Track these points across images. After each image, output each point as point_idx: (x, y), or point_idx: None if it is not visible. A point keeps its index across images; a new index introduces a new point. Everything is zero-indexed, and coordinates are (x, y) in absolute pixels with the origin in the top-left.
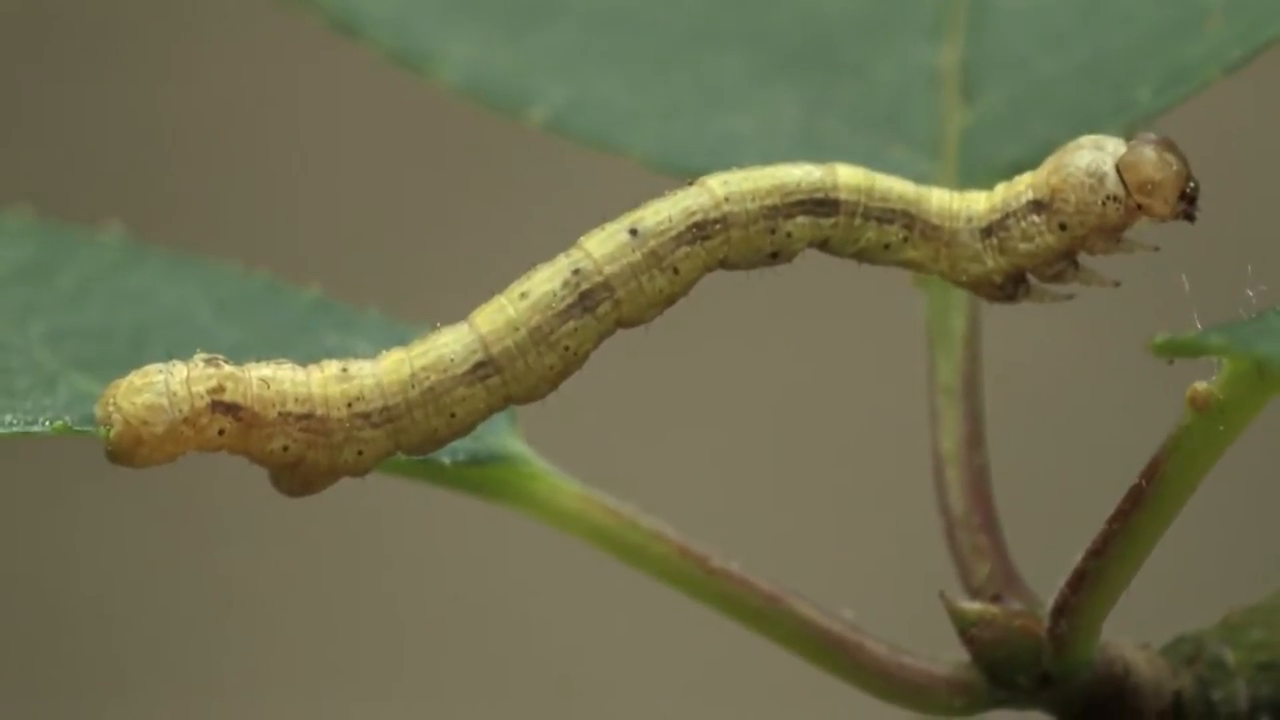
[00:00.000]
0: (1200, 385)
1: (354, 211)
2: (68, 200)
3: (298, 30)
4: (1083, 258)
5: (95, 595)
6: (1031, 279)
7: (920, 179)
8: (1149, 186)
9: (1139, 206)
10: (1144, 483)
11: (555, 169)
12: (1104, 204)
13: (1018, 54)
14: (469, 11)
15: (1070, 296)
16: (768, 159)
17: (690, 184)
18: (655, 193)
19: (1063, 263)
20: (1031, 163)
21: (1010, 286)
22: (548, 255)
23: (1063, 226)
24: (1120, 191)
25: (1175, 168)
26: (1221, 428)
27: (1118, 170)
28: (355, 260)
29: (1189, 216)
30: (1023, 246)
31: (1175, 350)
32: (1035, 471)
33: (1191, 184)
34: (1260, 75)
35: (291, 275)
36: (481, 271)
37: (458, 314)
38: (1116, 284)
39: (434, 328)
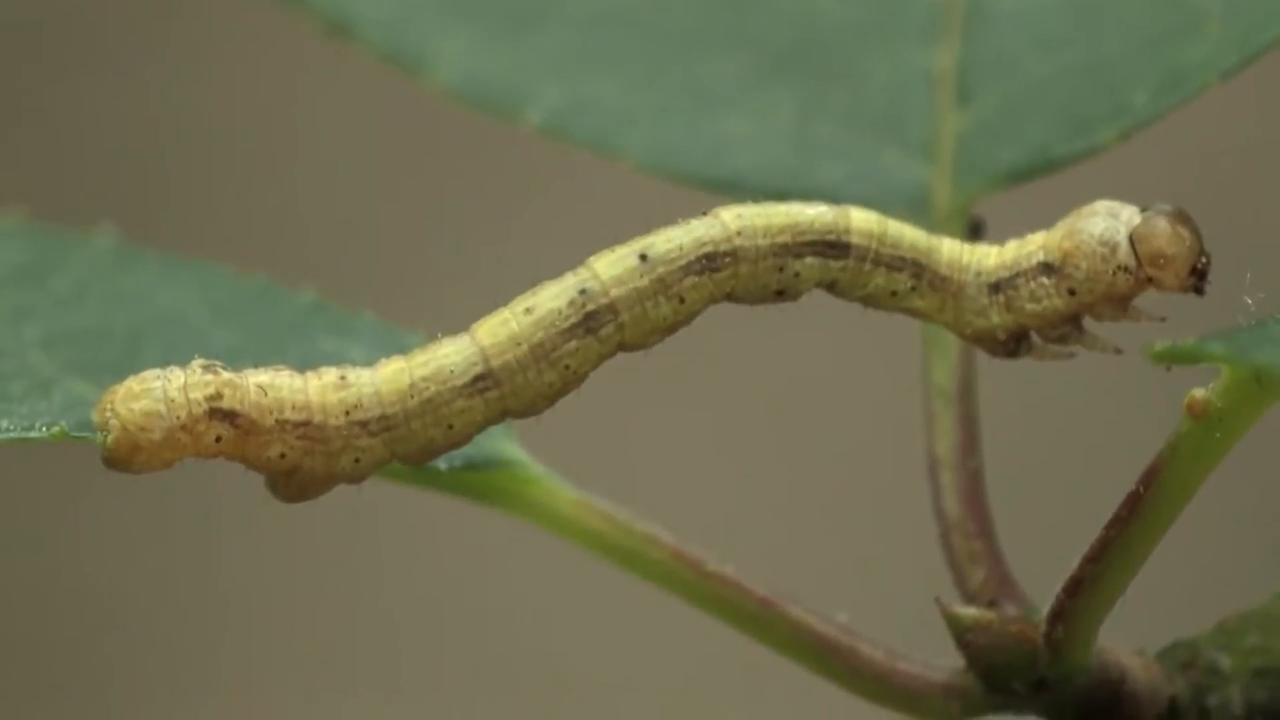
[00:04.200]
0: (1198, 392)
1: (349, 214)
2: (62, 202)
3: (293, 32)
4: (1087, 322)
5: (93, 598)
6: (1035, 337)
7: (915, 182)
8: (1161, 260)
9: (1149, 279)
10: (1141, 489)
11: (550, 172)
12: (1114, 274)
13: (1013, 57)
14: (464, 13)
15: (1071, 356)
16: (763, 162)
17: (704, 214)
18: (651, 196)
19: (1067, 325)
20: (1026, 167)
21: (1013, 343)
22: (542, 258)
23: (1071, 291)
24: (1132, 262)
25: (1188, 242)
26: (1219, 435)
27: (1130, 241)
28: (350, 263)
29: (1198, 291)
30: (1030, 307)
31: (1173, 357)
32: (1031, 476)
33: (1203, 259)
34: (1257, 80)
35: (287, 278)
36: (476, 274)
37: (452, 317)
38: (1119, 351)
39: (431, 333)
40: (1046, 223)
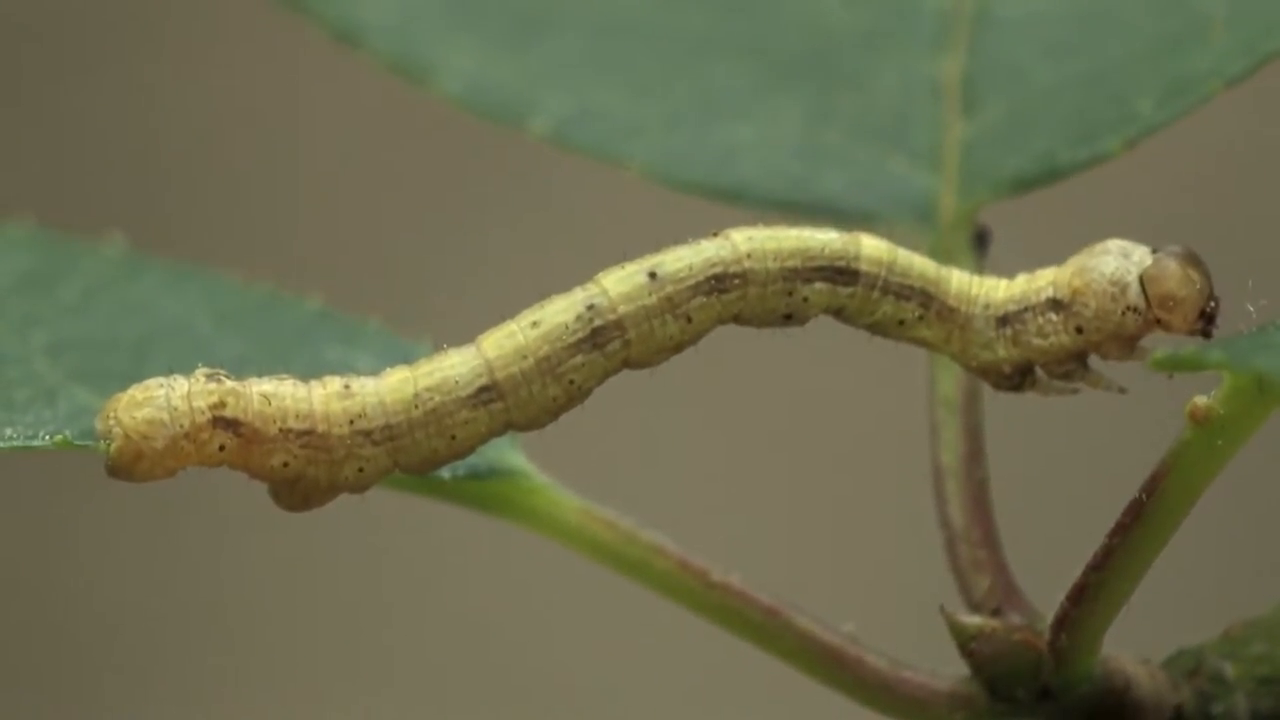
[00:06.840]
0: (1200, 400)
1: (356, 223)
2: (70, 211)
3: (300, 41)
4: (1092, 360)
5: (95, 607)
6: (1039, 372)
7: (921, 190)
8: (1170, 303)
9: (1158, 320)
10: (1144, 496)
11: (557, 181)
12: (1123, 314)
13: (1019, 66)
14: (470, 23)
15: (1075, 392)
16: (769, 170)
17: (714, 234)
18: (658, 205)
19: (1073, 362)
20: (1032, 175)
21: (1017, 377)
22: (550, 269)
23: (1079, 329)
24: (1141, 303)
25: (1198, 285)
26: (1221, 442)
27: (1141, 282)
28: (357, 273)
29: (1206, 334)
30: (1036, 342)
31: (1175, 365)
32: (1035, 485)
33: (1212, 303)
34: (1261, 88)
35: (293, 287)
36: (482, 283)
37: (459, 325)
38: (1123, 390)
39: (438, 343)
40: (1052, 231)
